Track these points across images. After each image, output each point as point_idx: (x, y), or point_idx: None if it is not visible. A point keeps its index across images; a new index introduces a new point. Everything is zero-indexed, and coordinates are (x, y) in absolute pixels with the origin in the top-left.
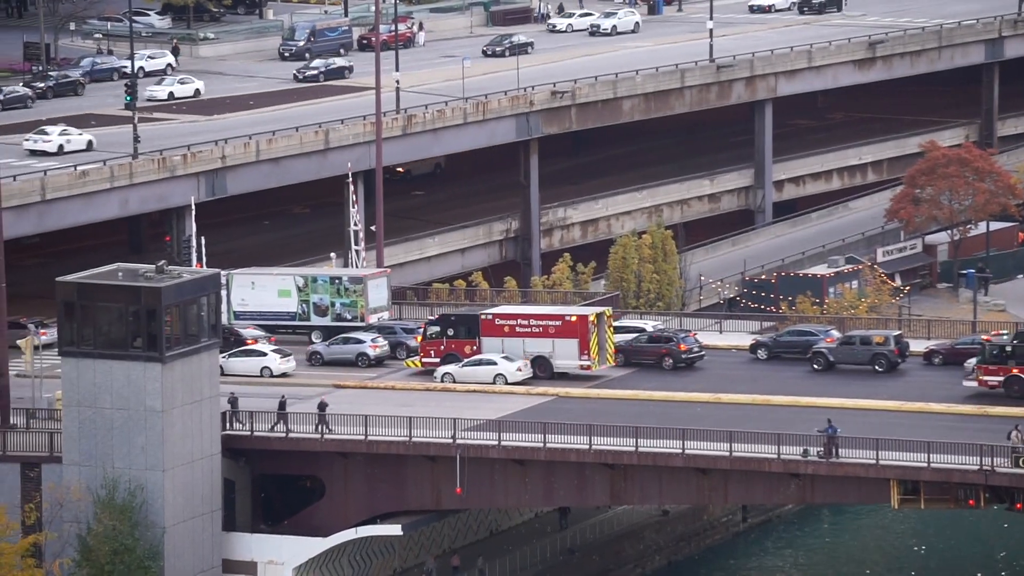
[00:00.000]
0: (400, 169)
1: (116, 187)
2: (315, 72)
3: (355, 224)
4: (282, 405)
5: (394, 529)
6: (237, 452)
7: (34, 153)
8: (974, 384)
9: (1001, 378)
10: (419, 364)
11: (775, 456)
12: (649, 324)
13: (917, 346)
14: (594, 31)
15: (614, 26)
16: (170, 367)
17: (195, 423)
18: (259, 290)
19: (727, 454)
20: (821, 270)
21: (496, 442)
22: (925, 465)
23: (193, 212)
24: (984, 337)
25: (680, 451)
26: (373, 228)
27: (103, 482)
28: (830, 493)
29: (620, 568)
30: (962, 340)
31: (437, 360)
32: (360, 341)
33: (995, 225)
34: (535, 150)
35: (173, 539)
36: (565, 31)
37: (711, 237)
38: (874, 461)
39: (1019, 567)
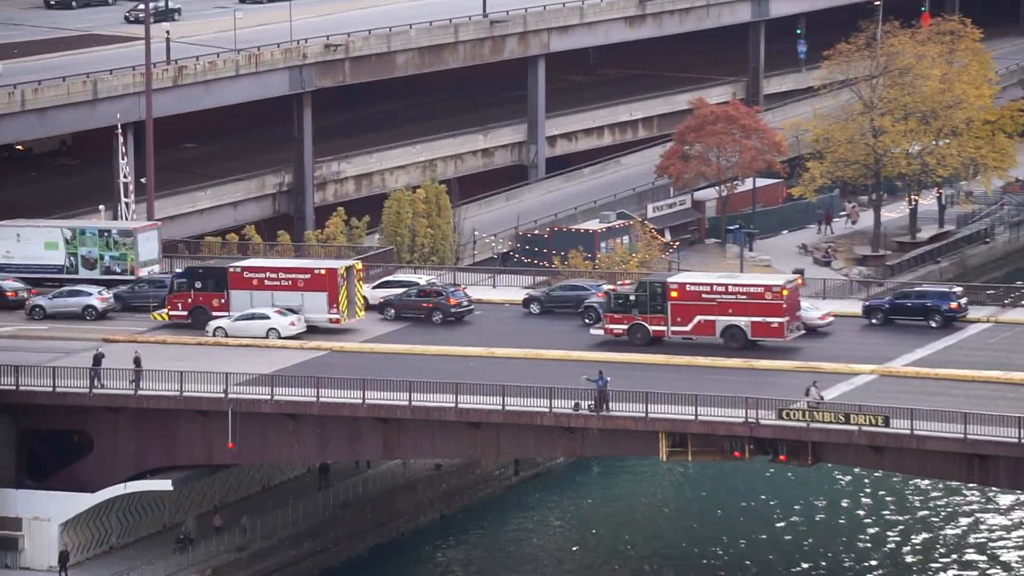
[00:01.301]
0: (20, 147)
1: None
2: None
3: (124, 176)
4: (97, 360)
5: (164, 484)
6: (1, 407)
7: None
8: (600, 332)
9: (625, 326)
10: (166, 317)
11: (547, 410)
12: (423, 279)
13: None
14: None
15: None
16: None
17: None
18: (24, 242)
19: (500, 408)
20: (593, 225)
21: (269, 396)
22: (692, 418)
23: None
24: (609, 287)
25: (453, 405)
26: (143, 180)
27: None
28: (601, 446)
29: (393, 522)
30: None
31: (184, 313)
32: (87, 294)
33: (761, 182)
34: (308, 103)
35: None
36: None
37: (485, 192)
38: (643, 414)
39: (777, 515)
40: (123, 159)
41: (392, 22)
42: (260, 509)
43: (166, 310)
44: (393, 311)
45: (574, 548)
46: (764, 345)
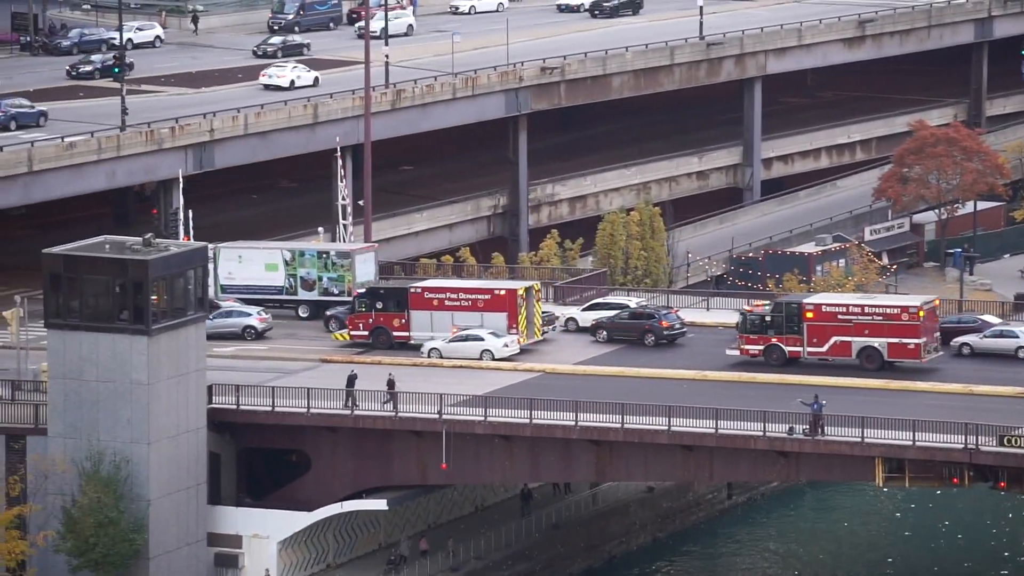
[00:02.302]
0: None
1: (103, 159)
2: (273, 49)
3: (343, 198)
4: (351, 381)
5: (379, 504)
6: (223, 426)
7: (268, 88)
8: (736, 353)
9: (761, 347)
10: (347, 337)
11: (760, 434)
12: (633, 301)
13: None
14: (454, 10)
15: (472, 6)
16: (156, 340)
17: (180, 396)
18: (246, 264)
19: (712, 431)
20: (808, 248)
21: (482, 418)
22: (910, 443)
23: (181, 185)
24: (745, 308)
25: (666, 428)
26: (361, 203)
27: (88, 454)
28: (815, 471)
29: (605, 544)
30: (948, 319)
31: (365, 333)
32: (247, 314)
33: (982, 205)
34: (524, 126)
35: (158, 512)
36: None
37: (699, 215)
38: (859, 439)
39: (1001, 548)
40: (342, 182)
41: (608, 45)
42: (473, 529)
43: (347, 329)
44: (605, 333)
45: (795, 574)
46: (901, 366)
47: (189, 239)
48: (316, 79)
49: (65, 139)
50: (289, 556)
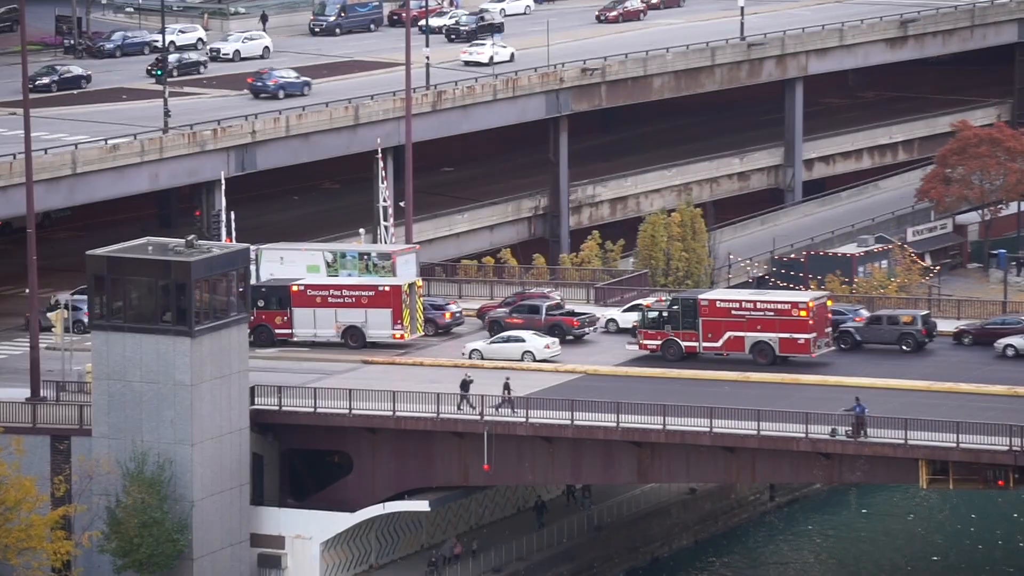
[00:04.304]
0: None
1: (146, 161)
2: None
3: (384, 200)
4: (465, 385)
5: (421, 505)
6: (265, 427)
7: (468, 64)
8: (635, 347)
9: (659, 342)
10: None
11: (803, 435)
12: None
13: (947, 326)
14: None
15: (502, 9)
16: (199, 341)
17: (224, 397)
18: (288, 265)
19: (755, 433)
20: (851, 249)
21: (524, 419)
22: (954, 445)
23: (223, 187)
24: (645, 303)
25: (708, 429)
26: (402, 204)
27: (132, 455)
28: (858, 472)
29: (647, 546)
30: (992, 320)
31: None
32: None
33: None
34: (565, 127)
35: (201, 513)
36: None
37: (740, 216)
38: (903, 441)
39: None
40: (383, 183)
41: (648, 46)
42: (516, 530)
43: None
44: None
45: None
46: (794, 361)
47: (231, 241)
48: (512, 55)
49: (108, 141)
50: (332, 557)
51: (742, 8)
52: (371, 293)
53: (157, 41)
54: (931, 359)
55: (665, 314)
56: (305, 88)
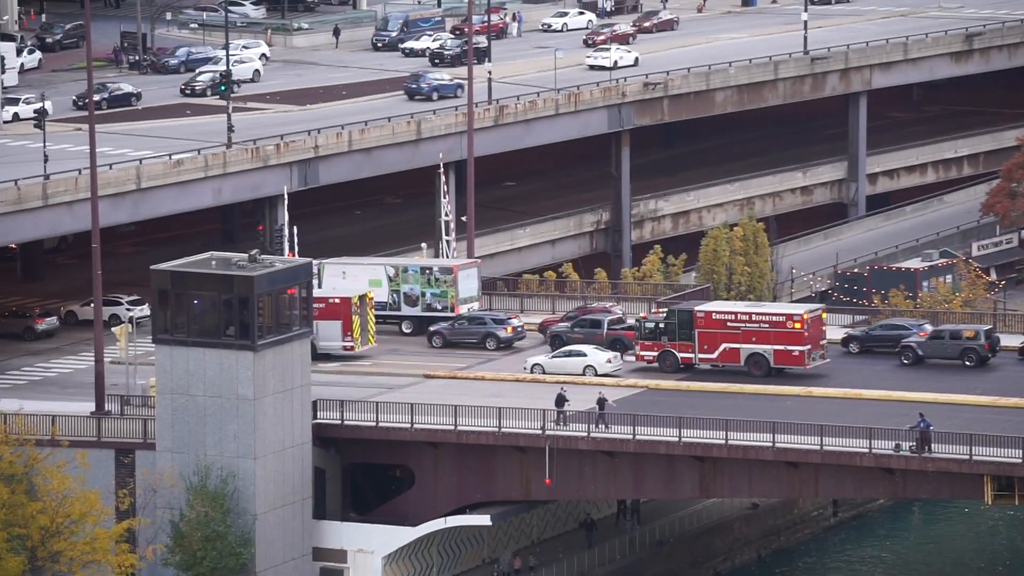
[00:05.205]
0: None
1: (210, 176)
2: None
3: (446, 214)
4: (560, 401)
5: (483, 519)
6: (328, 441)
7: (592, 68)
8: (632, 359)
9: (656, 353)
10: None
11: (866, 451)
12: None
13: (1012, 341)
14: (546, 28)
15: (564, 24)
16: (262, 356)
17: (286, 411)
18: (350, 279)
19: (818, 448)
20: (915, 264)
21: (585, 433)
22: (1020, 461)
23: (286, 201)
24: (641, 315)
25: (770, 444)
26: (464, 218)
27: (196, 469)
28: (922, 488)
29: (710, 561)
30: None
31: None
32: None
33: None
34: (627, 141)
35: (264, 526)
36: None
37: (803, 230)
38: (967, 456)
39: None
40: (445, 198)
41: (711, 60)
42: (568, 547)
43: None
44: (440, 339)
45: None
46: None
47: (294, 255)
48: (636, 59)
49: (172, 157)
50: (393, 571)
51: (805, 22)
52: (322, 305)
53: (221, 57)
54: (993, 374)
55: (662, 326)
56: (458, 90)
